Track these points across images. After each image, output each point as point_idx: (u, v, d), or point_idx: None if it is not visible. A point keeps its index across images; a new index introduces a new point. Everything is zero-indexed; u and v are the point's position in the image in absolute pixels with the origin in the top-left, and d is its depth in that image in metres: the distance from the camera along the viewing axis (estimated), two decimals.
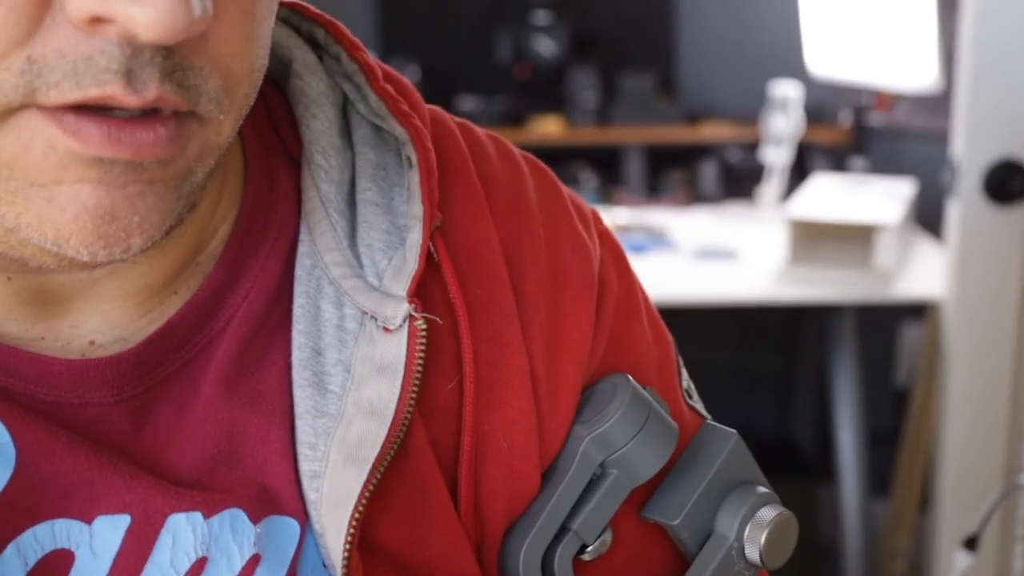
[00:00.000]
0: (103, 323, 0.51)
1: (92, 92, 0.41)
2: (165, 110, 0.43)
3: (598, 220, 0.62)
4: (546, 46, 3.32)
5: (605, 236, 0.61)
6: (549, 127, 3.25)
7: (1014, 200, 1.87)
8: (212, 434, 0.51)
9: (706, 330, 2.99)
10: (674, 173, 3.18)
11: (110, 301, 0.51)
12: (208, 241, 0.53)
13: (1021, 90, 1.84)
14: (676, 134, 3.28)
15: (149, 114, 0.43)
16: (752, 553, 0.55)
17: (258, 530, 0.50)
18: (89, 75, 0.41)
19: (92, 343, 0.51)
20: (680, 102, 3.35)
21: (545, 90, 3.36)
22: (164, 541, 0.49)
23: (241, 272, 0.53)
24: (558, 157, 3.11)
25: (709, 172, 3.07)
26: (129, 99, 0.41)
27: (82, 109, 0.42)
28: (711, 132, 3.26)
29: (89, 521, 0.49)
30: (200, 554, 0.49)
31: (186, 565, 0.49)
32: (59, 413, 0.50)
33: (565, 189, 0.62)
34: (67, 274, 0.49)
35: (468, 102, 3.28)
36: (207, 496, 0.50)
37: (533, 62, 3.32)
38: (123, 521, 0.49)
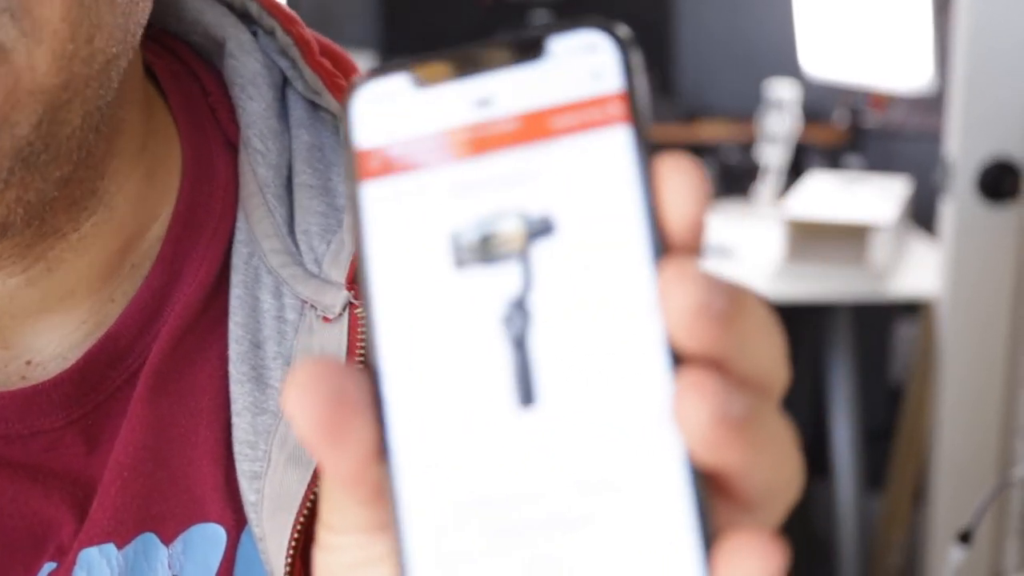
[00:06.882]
0: (37, 339, 0.48)
1: None
2: None
3: None
4: None
5: None
6: None
7: (1007, 199, 1.89)
8: (138, 435, 0.48)
9: None
10: None
11: (36, 314, 0.48)
12: (138, 241, 0.50)
13: (1015, 88, 1.84)
14: (674, 133, 3.29)
15: None
16: None
17: (170, 551, 0.47)
18: None
19: (29, 363, 0.48)
20: (678, 101, 3.37)
21: None
22: None
23: (182, 270, 0.50)
24: None
25: (706, 170, 3.09)
26: None
27: None
28: (708, 131, 3.28)
29: (37, 570, 0.47)
30: None
31: None
32: (8, 448, 0.47)
33: None
34: None
35: None
36: (119, 525, 0.47)
37: None
38: (49, 565, 0.47)
